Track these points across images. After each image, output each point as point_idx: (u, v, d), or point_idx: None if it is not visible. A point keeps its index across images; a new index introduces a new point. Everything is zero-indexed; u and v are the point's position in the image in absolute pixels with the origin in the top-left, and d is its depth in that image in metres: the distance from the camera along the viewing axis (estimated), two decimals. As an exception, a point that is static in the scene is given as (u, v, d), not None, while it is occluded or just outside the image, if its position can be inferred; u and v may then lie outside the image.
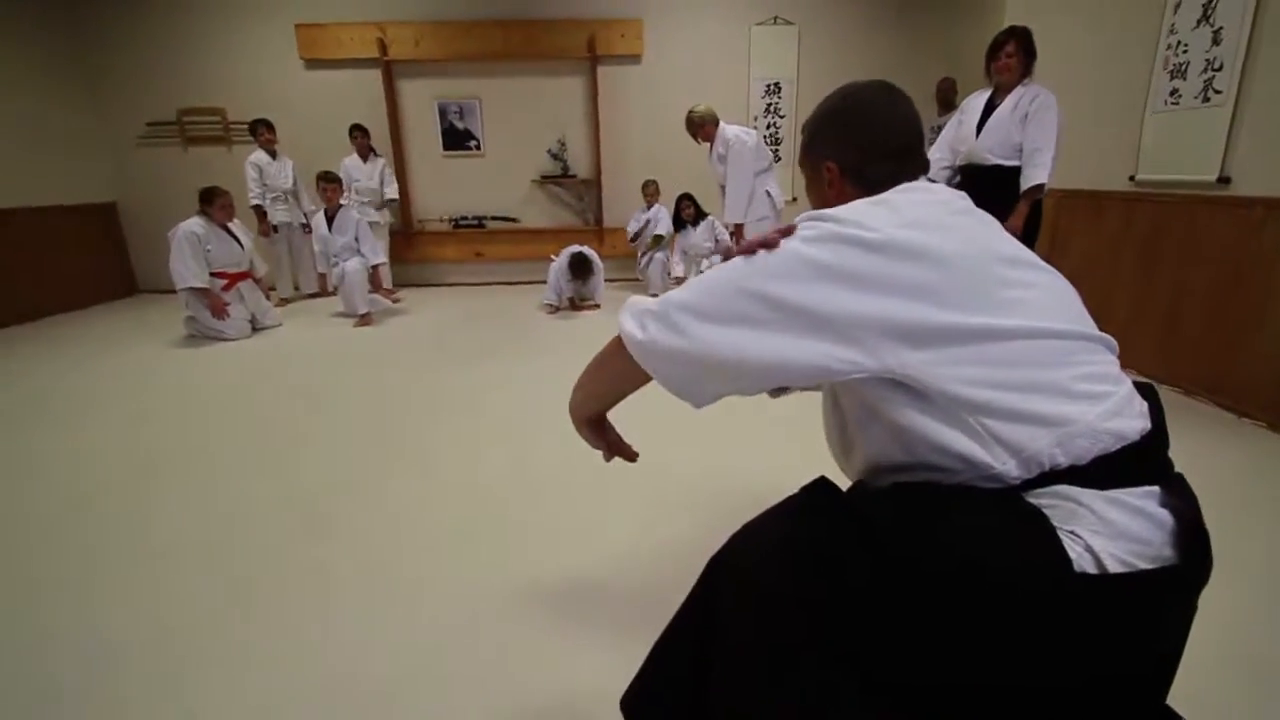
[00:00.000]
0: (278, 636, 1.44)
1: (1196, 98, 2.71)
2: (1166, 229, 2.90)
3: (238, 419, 2.79)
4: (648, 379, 0.84)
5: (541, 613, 1.50)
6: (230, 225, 4.23)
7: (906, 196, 0.81)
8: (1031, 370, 0.72)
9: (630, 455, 1.02)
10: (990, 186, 2.88)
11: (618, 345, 0.84)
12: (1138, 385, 0.81)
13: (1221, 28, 2.58)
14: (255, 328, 4.35)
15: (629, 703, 0.96)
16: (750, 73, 5.80)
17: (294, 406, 2.93)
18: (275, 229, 5.25)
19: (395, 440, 2.50)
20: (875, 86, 0.94)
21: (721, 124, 3.77)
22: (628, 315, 0.84)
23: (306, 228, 5.26)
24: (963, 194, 0.86)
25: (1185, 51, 2.76)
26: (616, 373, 0.88)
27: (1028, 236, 2.79)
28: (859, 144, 0.91)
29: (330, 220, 4.58)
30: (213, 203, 4.11)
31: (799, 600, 0.72)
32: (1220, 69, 2.59)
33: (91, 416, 2.85)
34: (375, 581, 1.63)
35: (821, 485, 0.84)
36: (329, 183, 4.52)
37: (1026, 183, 2.75)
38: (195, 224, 4.06)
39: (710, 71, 5.75)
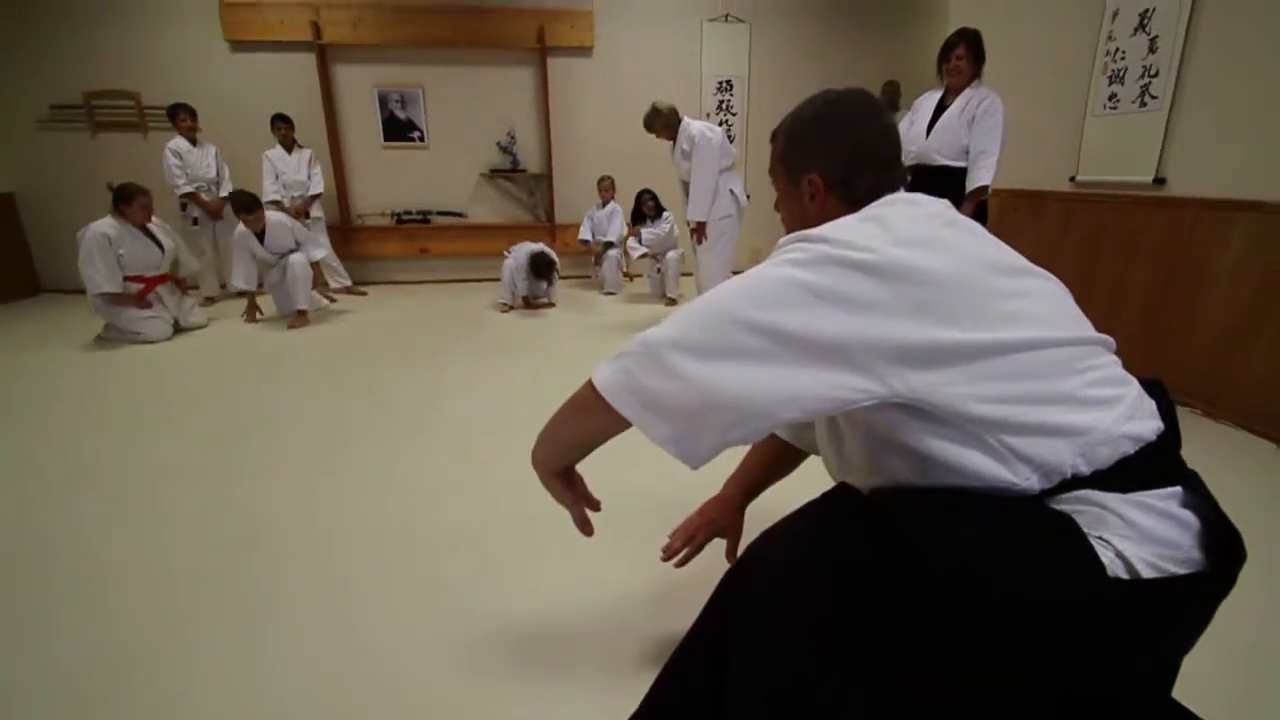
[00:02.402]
0: (211, 671, 1.28)
1: (1134, 102, 2.84)
2: (1105, 228, 3.03)
3: (158, 429, 2.54)
4: (627, 426, 0.75)
5: (517, 643, 1.39)
6: (150, 226, 3.87)
7: (894, 210, 0.78)
8: (1042, 382, 0.71)
9: (595, 506, 0.95)
10: (937, 187, 2.94)
11: (591, 394, 0.75)
12: (1144, 383, 0.81)
13: (1157, 36, 2.71)
14: (178, 328, 4.02)
15: None
16: (703, 69, 5.78)
17: (224, 415, 2.70)
18: (195, 221, 4.88)
19: (341, 452, 2.33)
20: (857, 94, 0.91)
21: (685, 119, 3.73)
22: (603, 363, 0.75)
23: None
24: (945, 202, 0.84)
25: (1123, 58, 2.89)
26: (591, 425, 0.79)
27: (973, 237, 2.86)
28: (846, 154, 0.87)
29: (261, 238, 4.19)
30: (131, 202, 3.72)
31: (822, 608, 0.69)
32: (1156, 75, 2.72)
33: (-12, 431, 2.55)
34: (320, 608, 1.48)
35: (843, 490, 0.82)
36: (249, 213, 4.03)
37: (971, 184, 2.83)
38: (107, 225, 3.68)
39: (662, 66, 5.70)
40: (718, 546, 1.23)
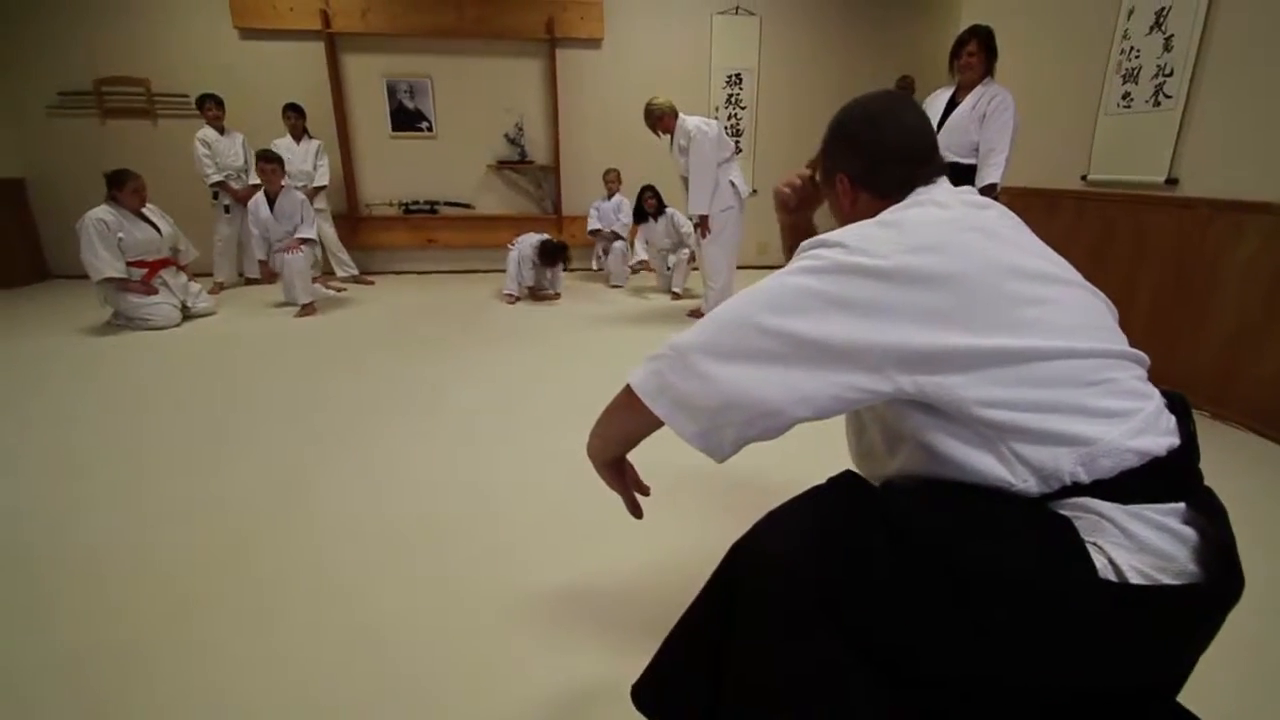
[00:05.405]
0: (218, 660, 1.30)
1: (1148, 101, 2.81)
2: (1116, 228, 3.01)
3: (165, 415, 2.56)
4: (660, 424, 0.81)
5: (519, 633, 1.40)
6: (145, 210, 3.90)
7: (915, 214, 0.80)
8: (1052, 390, 0.71)
9: (644, 491, 0.99)
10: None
11: (629, 394, 0.82)
12: (1167, 395, 0.80)
13: (1173, 35, 2.68)
14: (186, 314, 4.04)
15: (642, 691, 0.93)
16: (712, 62, 5.75)
17: (230, 402, 2.72)
18: (228, 209, 4.92)
19: (345, 441, 2.34)
20: (878, 94, 0.98)
21: (681, 115, 3.72)
22: (638, 367, 0.82)
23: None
24: (975, 200, 0.85)
25: (1137, 56, 2.86)
26: (630, 421, 0.85)
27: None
28: (865, 151, 0.92)
29: (272, 203, 4.28)
30: (122, 187, 3.76)
31: (819, 588, 0.71)
32: (1171, 74, 2.69)
33: (-1, 415, 2.57)
34: (326, 598, 1.50)
35: (848, 477, 0.84)
36: (269, 163, 4.20)
37: (980, 182, 2.81)
38: (103, 211, 3.72)
39: (671, 59, 5.67)
40: (726, 529, 1.23)
